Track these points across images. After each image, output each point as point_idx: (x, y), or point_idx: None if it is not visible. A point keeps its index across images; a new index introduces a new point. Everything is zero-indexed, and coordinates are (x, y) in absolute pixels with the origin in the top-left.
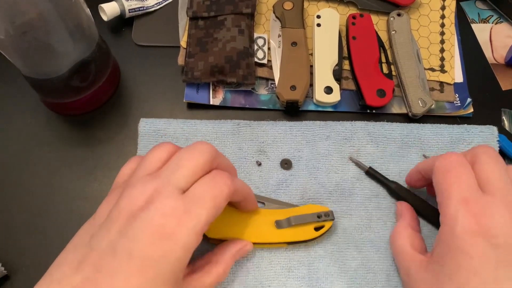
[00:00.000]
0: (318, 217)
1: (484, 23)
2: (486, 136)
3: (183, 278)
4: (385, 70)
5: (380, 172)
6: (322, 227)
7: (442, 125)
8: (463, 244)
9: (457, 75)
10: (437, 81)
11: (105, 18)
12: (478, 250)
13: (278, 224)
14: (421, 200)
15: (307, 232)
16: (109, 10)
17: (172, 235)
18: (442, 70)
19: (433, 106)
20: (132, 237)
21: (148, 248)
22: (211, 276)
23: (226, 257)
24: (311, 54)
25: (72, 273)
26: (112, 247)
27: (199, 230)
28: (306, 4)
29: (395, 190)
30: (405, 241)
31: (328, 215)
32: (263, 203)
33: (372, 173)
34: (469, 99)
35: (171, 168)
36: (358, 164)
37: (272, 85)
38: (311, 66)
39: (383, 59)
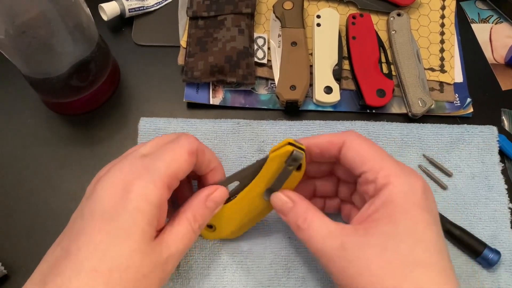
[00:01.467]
0: (289, 165)
1: (484, 23)
2: (486, 136)
3: (155, 239)
4: (385, 70)
5: None
6: (300, 165)
7: (442, 125)
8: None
9: (457, 75)
10: (437, 81)
11: (105, 18)
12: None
13: (267, 196)
14: None
15: (293, 179)
16: (109, 10)
17: (130, 188)
18: (442, 70)
19: (433, 106)
20: (94, 198)
21: (107, 203)
22: (183, 226)
23: (195, 202)
24: (311, 54)
25: (55, 248)
26: (81, 211)
27: (158, 180)
28: (306, 4)
29: None
30: (319, 223)
31: (295, 158)
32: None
33: None
34: (469, 99)
35: (146, 146)
36: None
37: (272, 85)
38: (311, 66)
39: (383, 59)
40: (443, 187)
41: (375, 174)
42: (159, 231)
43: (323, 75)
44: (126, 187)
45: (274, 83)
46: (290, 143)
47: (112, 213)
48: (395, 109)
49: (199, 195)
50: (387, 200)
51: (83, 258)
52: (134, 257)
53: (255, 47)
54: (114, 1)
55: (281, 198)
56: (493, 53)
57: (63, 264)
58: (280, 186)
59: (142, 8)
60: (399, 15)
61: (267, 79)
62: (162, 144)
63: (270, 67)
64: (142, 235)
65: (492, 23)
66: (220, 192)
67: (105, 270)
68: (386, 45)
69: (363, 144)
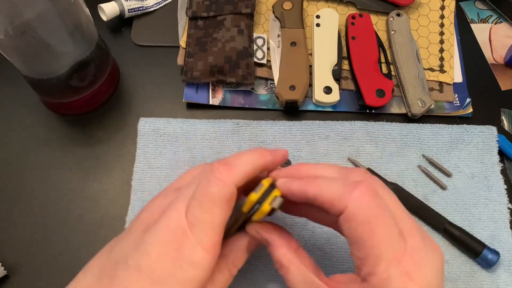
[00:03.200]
0: (269, 215)
1: (483, 23)
2: (486, 136)
3: None
4: (385, 70)
5: (379, 172)
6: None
7: (441, 125)
8: None
9: (456, 75)
10: (436, 81)
11: (104, 18)
12: None
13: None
14: (420, 202)
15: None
16: (108, 10)
17: (179, 252)
18: (442, 70)
19: (432, 106)
20: (143, 252)
21: (156, 264)
22: (224, 275)
23: (235, 250)
24: (311, 54)
25: (94, 281)
26: (126, 260)
27: (208, 244)
28: (305, 4)
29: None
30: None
31: (275, 209)
32: None
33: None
34: (468, 99)
35: (195, 180)
36: (357, 165)
37: (271, 85)
38: (311, 66)
39: (383, 59)
40: (443, 187)
41: (374, 267)
42: None
43: (323, 75)
44: (175, 249)
45: (274, 83)
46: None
47: (161, 276)
48: (395, 109)
49: (239, 242)
50: None
51: None
52: None
53: (255, 47)
54: (113, 1)
55: (255, 234)
56: (493, 53)
57: None
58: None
59: (141, 8)
60: (398, 15)
61: (266, 79)
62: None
63: (270, 67)
64: None
65: (492, 23)
66: (257, 242)
67: None
68: (386, 45)
69: (370, 217)
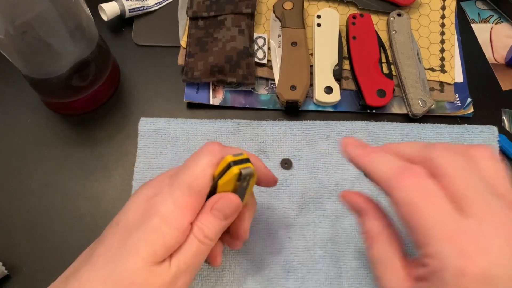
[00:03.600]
0: (243, 183)
1: (484, 23)
2: (487, 136)
3: (168, 257)
4: (385, 70)
5: None
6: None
7: (442, 125)
8: None
9: (457, 75)
10: (437, 81)
11: (105, 18)
12: None
13: None
14: None
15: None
16: (109, 10)
17: (153, 206)
18: (442, 70)
19: (433, 106)
20: (123, 209)
21: (131, 216)
22: (190, 240)
23: (200, 214)
24: (311, 54)
25: (89, 248)
26: (114, 220)
27: (180, 202)
28: (306, 4)
29: None
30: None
31: (246, 176)
32: None
33: None
34: (469, 99)
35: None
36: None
37: (272, 85)
38: (311, 66)
39: (383, 59)
40: None
41: (424, 248)
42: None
43: (323, 75)
44: (150, 205)
45: (274, 83)
46: (232, 163)
47: (132, 227)
48: (396, 109)
49: (205, 205)
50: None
51: (99, 267)
52: (138, 275)
53: (255, 47)
54: (114, 1)
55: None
56: (494, 53)
57: (83, 268)
58: (243, 197)
59: (142, 8)
60: (399, 15)
61: (267, 79)
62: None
63: (270, 67)
64: (152, 255)
65: (493, 23)
66: (225, 200)
67: (111, 283)
68: (387, 45)
69: (413, 198)
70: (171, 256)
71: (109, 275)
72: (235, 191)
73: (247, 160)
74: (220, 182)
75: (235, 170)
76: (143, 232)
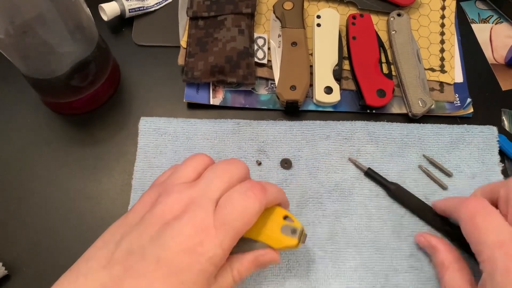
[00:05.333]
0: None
1: (484, 23)
2: (486, 136)
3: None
4: (385, 70)
5: (380, 172)
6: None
7: (442, 125)
8: None
9: (457, 75)
10: (437, 81)
11: (105, 18)
12: None
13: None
14: (422, 203)
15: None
16: (109, 10)
17: (200, 248)
18: (442, 70)
19: (433, 106)
20: (162, 245)
21: (175, 257)
22: (224, 280)
23: (243, 261)
24: (311, 54)
25: (100, 269)
26: (142, 251)
27: (226, 246)
28: (306, 4)
29: (394, 192)
30: None
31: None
32: None
33: (371, 174)
34: (469, 99)
35: (208, 179)
36: (357, 165)
37: (272, 85)
38: (311, 66)
39: (383, 59)
40: (444, 187)
41: (480, 254)
42: None
43: (323, 75)
44: (196, 246)
45: (274, 83)
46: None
47: (177, 269)
48: (395, 109)
49: (247, 255)
50: None
51: None
52: None
53: (255, 47)
54: (114, 1)
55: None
56: (493, 53)
57: None
58: None
59: (142, 8)
60: (399, 15)
61: (267, 79)
62: (231, 184)
63: (270, 67)
64: None
65: (492, 23)
66: (269, 258)
67: None
68: (386, 45)
69: (473, 214)
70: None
71: None
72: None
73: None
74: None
75: (294, 241)
76: (194, 275)
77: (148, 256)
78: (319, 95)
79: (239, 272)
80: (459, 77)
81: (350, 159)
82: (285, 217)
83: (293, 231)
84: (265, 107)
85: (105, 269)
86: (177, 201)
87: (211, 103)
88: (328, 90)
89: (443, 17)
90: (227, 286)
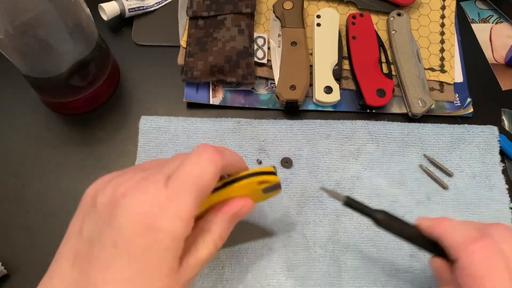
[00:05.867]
0: (264, 191)
1: (484, 23)
2: (487, 136)
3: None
4: (385, 70)
5: (380, 171)
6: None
7: (442, 124)
8: None
9: (457, 75)
10: (437, 81)
11: (105, 18)
12: None
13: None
14: (414, 230)
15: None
16: (109, 10)
17: (155, 223)
18: (442, 70)
19: (433, 106)
20: (117, 227)
21: (132, 238)
22: (207, 248)
23: (220, 221)
24: (311, 54)
25: (70, 268)
26: (100, 238)
27: (185, 216)
28: (306, 3)
29: (382, 222)
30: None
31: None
32: None
33: (351, 204)
34: (469, 99)
35: (168, 162)
36: (333, 195)
37: (272, 85)
38: (311, 65)
39: (383, 59)
40: (444, 187)
41: None
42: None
43: (323, 75)
44: (152, 224)
45: (274, 83)
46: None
47: (140, 250)
48: (395, 109)
49: (224, 212)
50: None
51: None
52: None
53: (255, 47)
54: (114, 1)
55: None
56: (493, 53)
57: None
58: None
59: (142, 8)
60: (399, 15)
61: (267, 79)
62: (182, 159)
63: (270, 67)
64: (170, 272)
65: (492, 23)
66: (247, 208)
67: None
68: (386, 45)
69: (482, 272)
70: (186, 263)
71: None
72: (249, 195)
73: (272, 173)
74: (237, 185)
75: (275, 179)
76: (158, 254)
77: (106, 242)
78: (319, 95)
79: (220, 236)
80: (459, 77)
81: (324, 189)
82: (260, 182)
83: (276, 187)
84: (265, 107)
85: (74, 266)
86: (128, 179)
87: (211, 102)
88: (328, 89)
89: (443, 16)
90: (210, 253)
